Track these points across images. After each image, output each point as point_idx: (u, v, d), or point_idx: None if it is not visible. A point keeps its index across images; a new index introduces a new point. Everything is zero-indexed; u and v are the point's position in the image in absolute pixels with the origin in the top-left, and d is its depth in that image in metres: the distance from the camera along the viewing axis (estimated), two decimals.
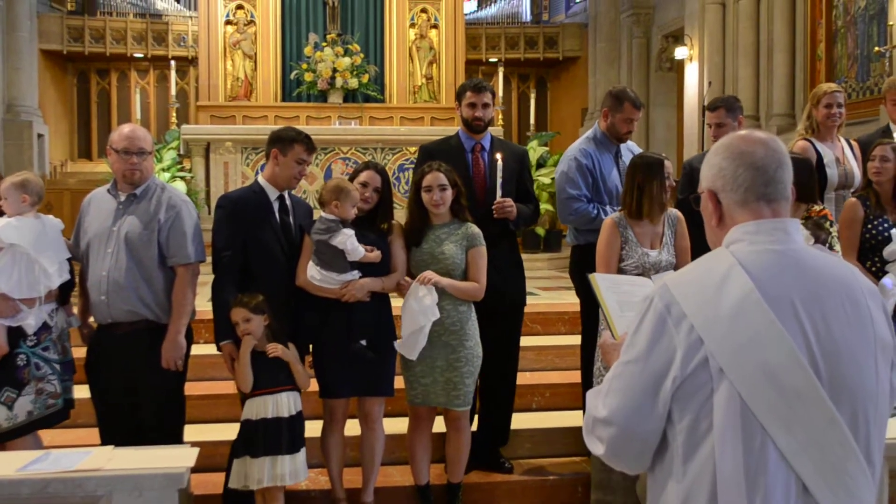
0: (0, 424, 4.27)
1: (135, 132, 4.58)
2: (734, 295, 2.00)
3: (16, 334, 4.33)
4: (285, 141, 4.73)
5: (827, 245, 4.74)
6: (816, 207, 4.91)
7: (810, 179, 4.94)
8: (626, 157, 5.53)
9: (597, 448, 2.16)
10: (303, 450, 4.48)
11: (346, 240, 4.55)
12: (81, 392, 4.66)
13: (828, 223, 4.83)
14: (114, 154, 4.53)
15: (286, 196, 4.80)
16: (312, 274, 4.60)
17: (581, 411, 5.57)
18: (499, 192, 5.13)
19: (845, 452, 1.98)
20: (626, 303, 2.89)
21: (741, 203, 2.14)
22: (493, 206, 5.11)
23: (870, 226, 5.29)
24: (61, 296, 4.55)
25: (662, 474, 2.10)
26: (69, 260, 4.55)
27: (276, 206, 4.73)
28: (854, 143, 6.00)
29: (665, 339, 2.03)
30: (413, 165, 7.19)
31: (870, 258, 5.27)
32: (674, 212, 4.85)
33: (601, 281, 3.20)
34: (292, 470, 4.39)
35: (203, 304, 5.04)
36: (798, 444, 1.96)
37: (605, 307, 3.01)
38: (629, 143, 5.66)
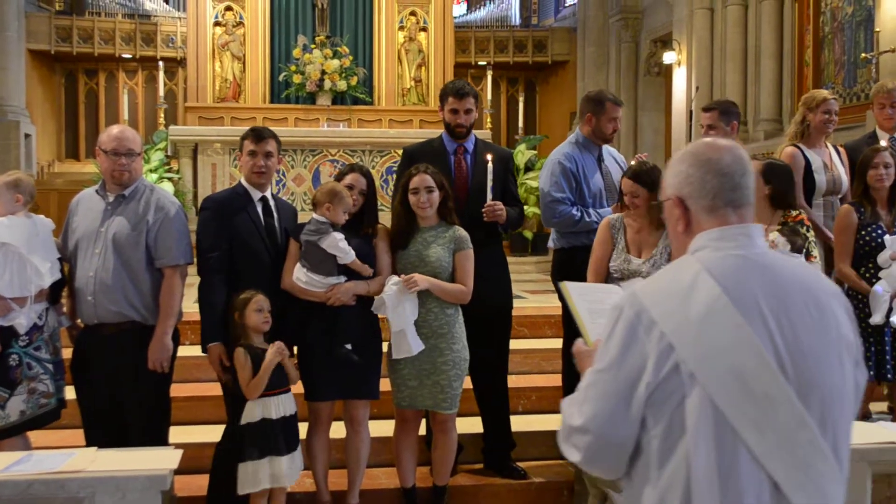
0: None
1: (124, 133, 4.57)
2: (702, 301, 2.05)
3: (7, 334, 4.33)
4: (240, 140, 4.82)
5: (804, 251, 4.75)
6: (793, 213, 4.93)
7: (790, 186, 4.98)
8: (608, 161, 5.55)
9: (573, 455, 2.18)
10: (299, 448, 4.49)
11: (337, 242, 4.55)
12: (67, 393, 4.65)
13: (804, 228, 4.84)
14: (102, 155, 4.52)
15: (270, 197, 4.80)
16: (298, 276, 4.59)
17: None
18: (489, 195, 5.12)
19: (815, 452, 2.03)
20: (596, 310, 2.89)
21: (709, 209, 2.18)
22: (484, 209, 5.11)
23: (863, 232, 5.31)
24: (52, 295, 4.54)
25: (638, 479, 2.13)
26: (60, 259, 4.54)
27: (259, 206, 4.73)
28: (841, 150, 6.02)
29: (637, 346, 2.06)
30: None
31: (864, 265, 5.30)
32: None
33: (572, 289, 3.20)
34: (292, 470, 4.40)
35: (190, 306, 5.02)
36: (769, 446, 2.00)
37: (577, 314, 3.01)
38: (610, 148, 5.67)
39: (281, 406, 4.42)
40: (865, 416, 5.60)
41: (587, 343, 2.59)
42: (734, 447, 1.99)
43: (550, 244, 5.71)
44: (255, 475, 4.33)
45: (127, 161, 4.49)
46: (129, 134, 4.59)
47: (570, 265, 5.39)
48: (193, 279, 4.72)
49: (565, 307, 5.38)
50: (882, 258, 5.25)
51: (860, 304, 5.29)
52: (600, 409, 2.09)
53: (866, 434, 3.78)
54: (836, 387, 2.10)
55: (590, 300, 3.08)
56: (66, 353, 4.66)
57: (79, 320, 4.67)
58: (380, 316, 4.76)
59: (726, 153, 2.20)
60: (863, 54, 10.46)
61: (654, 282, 2.18)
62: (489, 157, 5.17)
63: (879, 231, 5.32)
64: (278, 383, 4.44)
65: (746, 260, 2.13)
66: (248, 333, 4.45)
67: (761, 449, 2.00)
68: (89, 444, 4.39)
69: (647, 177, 4.51)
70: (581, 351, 2.52)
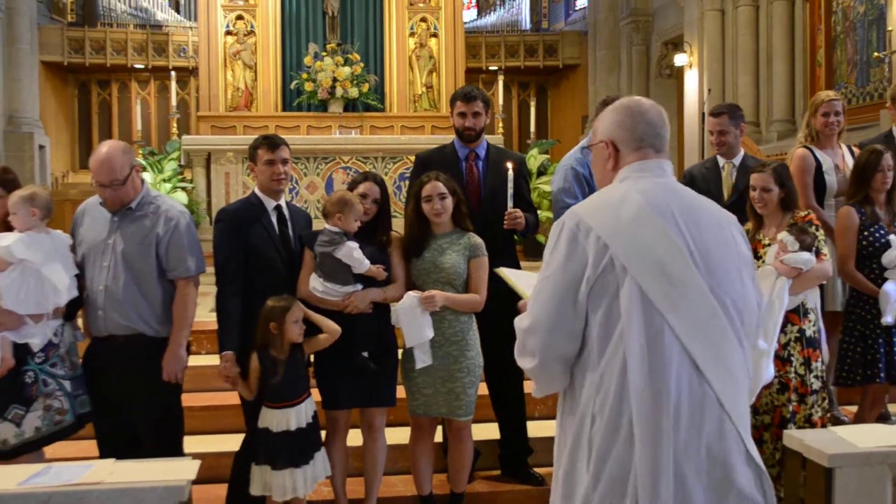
0: (7, 441, 4.25)
1: (106, 162, 4.37)
2: (630, 210, 2.52)
3: (23, 351, 4.30)
4: (251, 151, 4.79)
5: (814, 249, 4.75)
6: (801, 213, 4.93)
7: (794, 187, 5.02)
8: None
9: (528, 362, 2.58)
10: (318, 457, 4.48)
11: (352, 252, 4.55)
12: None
13: (813, 227, 4.86)
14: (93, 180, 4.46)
15: (284, 206, 4.80)
16: (314, 286, 4.59)
17: None
18: (510, 203, 5.11)
19: (725, 338, 2.48)
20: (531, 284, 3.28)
21: (636, 149, 2.66)
22: (504, 218, 5.10)
23: (866, 233, 5.28)
24: (67, 311, 4.50)
25: (580, 370, 2.54)
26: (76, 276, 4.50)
27: (273, 216, 4.73)
28: (856, 150, 5.99)
29: (578, 250, 2.49)
30: None
31: (867, 265, 5.26)
32: None
33: (508, 273, 3.86)
34: (307, 480, 4.40)
35: (204, 315, 5.02)
36: (687, 326, 2.43)
37: (516, 286, 3.54)
38: None
39: (286, 421, 4.38)
40: (884, 417, 5.57)
41: (525, 297, 3.04)
42: (660, 326, 2.42)
43: None
44: (262, 479, 4.35)
45: (112, 192, 4.40)
46: (115, 162, 4.37)
47: None
48: (206, 288, 4.72)
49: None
50: (888, 258, 5.21)
51: (867, 305, 5.25)
52: (550, 306, 2.51)
53: (885, 437, 3.76)
54: (738, 290, 2.55)
55: (524, 280, 3.60)
56: None
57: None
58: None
59: (652, 108, 2.71)
60: (875, 53, 10.43)
61: (589, 202, 2.62)
62: (510, 165, 5.14)
63: (882, 231, 5.28)
64: (292, 394, 4.42)
65: (663, 185, 2.63)
66: (283, 344, 4.40)
67: (681, 328, 2.42)
68: (103, 455, 4.39)
69: None
70: (523, 303, 2.90)
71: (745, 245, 2.67)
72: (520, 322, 2.62)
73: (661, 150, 2.68)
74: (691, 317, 2.43)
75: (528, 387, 5.62)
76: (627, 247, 2.45)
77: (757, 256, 4.89)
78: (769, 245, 4.86)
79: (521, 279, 3.72)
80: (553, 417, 5.90)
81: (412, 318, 4.55)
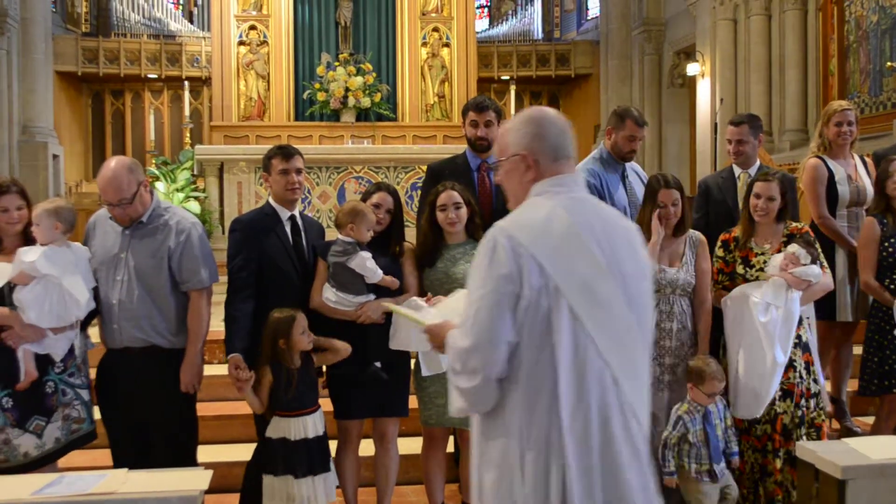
0: (29, 453, 4.27)
1: (113, 181, 4.36)
2: (559, 229, 2.61)
3: (43, 361, 4.33)
4: (265, 161, 4.81)
5: (818, 262, 4.80)
6: (796, 225, 4.96)
7: (792, 199, 5.08)
8: (632, 177, 5.54)
9: (468, 381, 2.60)
10: (329, 470, 4.48)
11: (365, 262, 4.55)
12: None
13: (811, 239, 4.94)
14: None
15: (297, 216, 4.81)
16: (328, 296, 4.60)
17: None
18: None
19: (637, 349, 2.68)
20: (415, 306, 3.52)
21: (553, 160, 2.74)
22: None
23: (887, 244, 5.27)
24: (83, 321, 4.52)
25: (509, 386, 2.60)
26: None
27: (287, 226, 4.74)
28: (868, 159, 5.98)
29: (514, 266, 2.54)
30: None
31: (888, 276, 5.25)
32: (697, 235, 4.95)
33: (399, 307, 3.77)
34: (317, 491, 4.39)
35: (217, 325, 5.04)
36: (609, 343, 2.58)
37: (404, 313, 3.50)
38: (633, 164, 5.66)
39: (303, 428, 4.37)
40: None
41: (422, 324, 3.00)
42: (586, 344, 2.55)
43: None
44: (284, 490, 4.33)
45: (121, 210, 4.41)
46: (122, 181, 4.36)
47: None
48: (219, 297, 4.72)
49: None
50: None
51: (886, 316, 5.24)
52: (492, 322, 2.54)
53: None
54: (648, 306, 2.77)
55: (412, 305, 3.69)
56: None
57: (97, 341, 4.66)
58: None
59: (557, 118, 2.82)
60: (888, 63, 10.40)
61: (516, 219, 2.67)
62: None
63: None
64: (300, 405, 4.41)
65: (581, 200, 2.76)
66: (293, 356, 4.41)
67: (603, 344, 2.57)
68: (117, 464, 4.40)
69: (678, 184, 4.83)
70: (434, 327, 2.89)
71: (646, 254, 2.87)
72: (458, 340, 2.64)
73: (570, 157, 2.80)
74: (612, 333, 2.59)
75: None
76: (560, 267, 2.56)
77: (749, 265, 4.90)
78: (763, 254, 4.88)
79: (419, 312, 3.60)
80: None
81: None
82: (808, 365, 4.87)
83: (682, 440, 4.62)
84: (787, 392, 4.77)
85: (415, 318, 3.23)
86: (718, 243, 5.07)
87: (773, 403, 4.75)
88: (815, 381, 4.87)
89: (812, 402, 4.82)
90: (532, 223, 2.62)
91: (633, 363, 2.64)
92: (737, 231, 5.02)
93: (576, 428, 2.53)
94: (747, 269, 4.92)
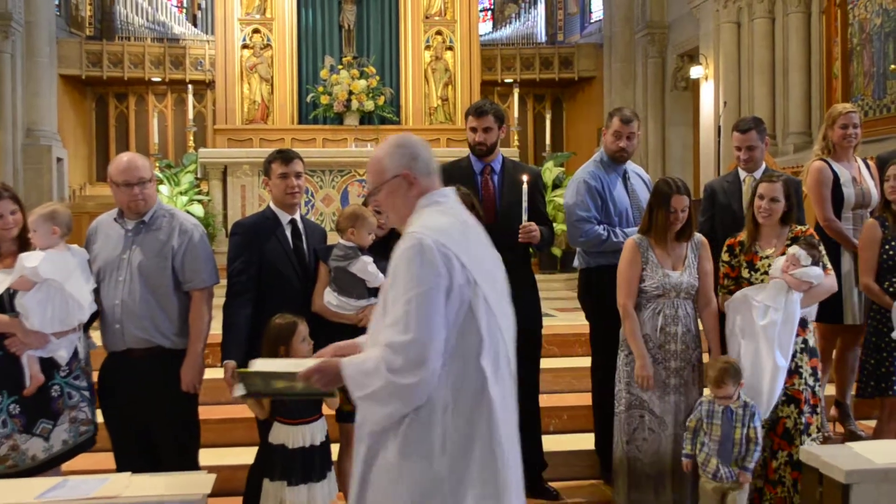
0: (37, 456, 4.28)
1: (132, 162, 4.51)
2: (462, 231, 2.98)
3: (49, 365, 4.34)
4: (265, 165, 4.85)
5: (821, 264, 4.78)
6: (800, 227, 4.95)
7: (797, 202, 5.07)
8: (634, 180, 5.55)
9: (410, 377, 2.78)
10: (329, 477, 4.46)
11: (366, 266, 4.56)
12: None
13: (815, 241, 4.92)
14: (115, 187, 4.51)
15: (298, 220, 4.82)
16: (329, 300, 4.60)
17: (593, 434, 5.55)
18: (524, 217, 5.11)
19: (512, 333, 3.06)
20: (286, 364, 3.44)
21: (428, 175, 3.08)
22: (519, 231, 5.10)
23: (888, 246, 5.26)
24: (84, 323, 4.53)
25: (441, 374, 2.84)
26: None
27: (288, 229, 4.75)
28: (871, 163, 5.97)
29: (443, 264, 2.82)
30: None
31: (888, 279, 5.24)
32: (698, 236, 4.95)
33: (254, 366, 3.47)
34: (327, 492, 4.38)
35: (219, 327, 5.04)
36: (506, 324, 3.00)
37: (273, 367, 3.41)
38: (635, 166, 5.66)
39: (301, 438, 4.34)
40: None
41: (297, 369, 3.13)
42: (496, 328, 2.93)
43: (576, 264, 5.69)
44: (276, 497, 4.32)
45: (139, 189, 4.46)
46: (138, 162, 4.53)
47: (596, 285, 5.39)
48: (221, 300, 4.72)
49: (593, 326, 5.44)
50: None
51: (884, 318, 5.23)
52: (430, 318, 2.79)
53: None
54: (507, 290, 3.13)
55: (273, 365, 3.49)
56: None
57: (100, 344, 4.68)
58: None
59: (420, 140, 3.17)
60: (892, 66, 10.39)
61: (428, 226, 2.92)
62: (525, 177, 5.15)
63: None
64: (300, 414, 4.38)
65: (459, 207, 3.12)
66: None
67: (503, 326, 2.98)
68: (120, 468, 4.41)
69: (687, 189, 4.85)
70: (312, 369, 3.07)
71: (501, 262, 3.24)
72: (397, 337, 2.80)
73: (437, 172, 3.14)
74: (507, 319, 3.04)
75: (544, 401, 5.64)
76: (473, 262, 2.91)
77: (754, 268, 4.90)
78: (767, 258, 4.87)
79: (275, 365, 3.51)
80: (569, 432, 5.92)
81: None
82: (816, 370, 4.86)
83: (698, 428, 4.62)
84: (791, 398, 4.76)
85: (289, 366, 3.27)
86: (724, 248, 5.06)
87: (776, 408, 4.75)
88: (822, 387, 4.85)
89: (818, 409, 4.82)
90: (443, 228, 2.92)
91: (512, 341, 3.05)
92: (742, 236, 5.02)
93: (496, 399, 2.90)
94: (752, 272, 4.91)
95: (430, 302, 2.79)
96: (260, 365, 3.48)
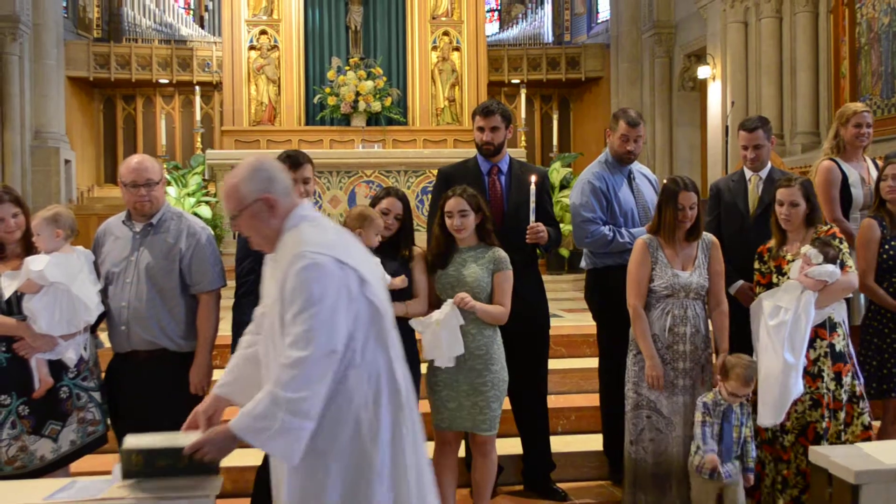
0: (45, 457, 4.30)
1: (142, 164, 4.52)
2: (344, 242, 3.16)
3: (57, 367, 4.35)
4: None
5: (839, 261, 4.73)
6: (824, 228, 4.92)
7: (818, 202, 5.03)
8: (640, 180, 5.54)
9: (324, 386, 2.91)
10: None
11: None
12: None
13: (836, 240, 4.86)
14: (123, 187, 4.53)
15: None
16: None
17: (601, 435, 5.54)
18: (532, 217, 5.11)
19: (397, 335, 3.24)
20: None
21: (286, 195, 3.13)
22: (527, 232, 5.10)
23: (887, 246, 5.21)
24: (92, 325, 4.55)
25: (344, 366, 2.97)
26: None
27: None
28: (880, 162, 5.94)
29: (340, 274, 2.96)
30: None
31: (887, 279, 5.21)
32: (709, 236, 4.93)
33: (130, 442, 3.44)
34: None
35: (226, 329, 5.04)
36: (390, 318, 3.17)
37: (152, 442, 3.46)
38: (640, 166, 5.65)
39: None
40: None
41: (179, 443, 3.34)
42: (383, 321, 3.10)
43: (583, 264, 5.68)
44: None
45: (147, 191, 4.47)
46: (147, 163, 4.53)
47: (603, 285, 5.39)
48: (228, 302, 4.72)
49: (600, 327, 5.43)
50: None
51: (885, 319, 5.20)
52: (341, 328, 2.93)
53: None
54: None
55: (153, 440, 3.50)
56: None
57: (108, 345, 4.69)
58: (417, 336, 4.76)
59: (273, 160, 3.27)
60: None
61: (314, 242, 3.00)
62: (533, 178, 5.15)
63: None
64: None
65: (323, 217, 3.25)
66: None
67: (388, 322, 3.14)
68: None
69: (695, 188, 4.85)
70: (215, 437, 3.33)
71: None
72: (297, 353, 2.88)
73: (294, 191, 3.22)
74: (389, 318, 3.18)
75: (552, 401, 5.63)
76: (365, 270, 3.07)
77: (781, 273, 4.87)
78: (793, 261, 4.82)
79: (155, 441, 3.49)
80: (577, 432, 5.91)
81: (452, 329, 4.56)
82: (840, 376, 4.78)
83: (704, 424, 4.61)
84: (816, 402, 4.73)
85: (167, 446, 3.41)
86: (756, 256, 5.05)
87: (803, 413, 4.72)
88: (847, 392, 4.79)
89: (842, 415, 4.76)
90: (329, 242, 3.04)
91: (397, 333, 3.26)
92: (771, 243, 5.00)
93: (403, 384, 3.11)
94: (780, 277, 4.88)
95: (337, 310, 2.92)
96: (136, 441, 3.38)
